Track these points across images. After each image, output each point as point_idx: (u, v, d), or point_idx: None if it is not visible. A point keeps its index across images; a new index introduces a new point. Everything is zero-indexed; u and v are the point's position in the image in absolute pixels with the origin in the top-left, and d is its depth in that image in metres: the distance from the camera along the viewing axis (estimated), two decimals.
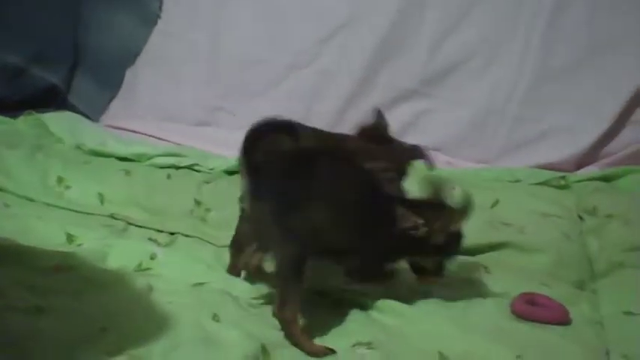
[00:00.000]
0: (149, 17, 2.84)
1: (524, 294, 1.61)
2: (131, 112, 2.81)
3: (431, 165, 1.79)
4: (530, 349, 1.43)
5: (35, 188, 2.11)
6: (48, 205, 2.02)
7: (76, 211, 2.01)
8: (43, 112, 2.64)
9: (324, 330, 1.47)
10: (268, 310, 1.52)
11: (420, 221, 1.49)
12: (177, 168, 2.34)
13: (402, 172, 1.76)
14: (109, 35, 2.84)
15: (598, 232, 1.97)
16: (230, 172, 2.30)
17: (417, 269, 1.60)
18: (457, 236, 1.56)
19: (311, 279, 1.42)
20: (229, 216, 1.74)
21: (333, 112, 2.69)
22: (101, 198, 2.10)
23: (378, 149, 1.75)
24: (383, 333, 1.48)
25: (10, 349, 1.28)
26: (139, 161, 2.36)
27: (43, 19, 2.78)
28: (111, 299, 1.52)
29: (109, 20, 2.84)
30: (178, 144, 2.56)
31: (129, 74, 2.84)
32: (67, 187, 2.12)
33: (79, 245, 1.79)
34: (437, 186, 1.53)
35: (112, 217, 2.01)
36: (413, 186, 1.68)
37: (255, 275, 1.64)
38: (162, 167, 2.33)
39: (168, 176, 2.25)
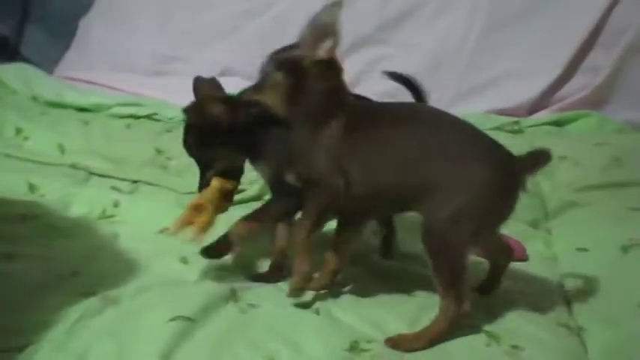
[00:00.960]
0: None
1: None
2: (85, 64, 2.78)
3: None
4: None
5: None
6: (8, 156, 2.01)
7: (36, 162, 2.00)
8: None
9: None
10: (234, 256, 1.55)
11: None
12: (137, 118, 2.34)
13: None
14: None
15: (550, 173, 2.01)
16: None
17: None
18: None
19: None
20: (190, 164, 1.75)
21: None
22: (61, 148, 2.10)
23: None
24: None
25: None
26: (97, 111, 2.35)
27: None
28: (79, 245, 1.54)
29: None
30: (135, 94, 2.54)
31: (82, 25, 2.81)
32: (26, 139, 2.12)
33: (42, 195, 1.80)
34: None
35: (73, 166, 2.00)
36: None
37: None
38: (121, 117, 2.33)
39: (128, 126, 2.26)
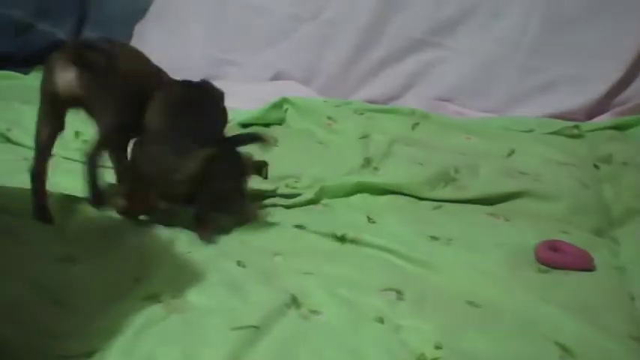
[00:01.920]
0: None
1: (547, 241, 1.61)
2: None
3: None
4: (556, 294, 1.44)
5: None
6: (68, 159, 2.02)
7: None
8: None
9: (350, 277, 1.48)
10: (290, 258, 1.55)
11: None
12: None
13: None
14: None
15: (614, 179, 1.98)
16: (244, 125, 2.31)
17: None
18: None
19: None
20: None
21: (341, 63, 2.68)
22: None
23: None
24: (409, 280, 1.48)
25: (45, 296, 1.30)
26: None
27: None
28: (139, 250, 1.53)
29: None
30: None
31: (137, 29, 2.83)
32: (85, 142, 2.11)
33: None
34: None
35: None
36: None
37: None
38: None
39: None
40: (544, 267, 1.56)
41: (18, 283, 1.33)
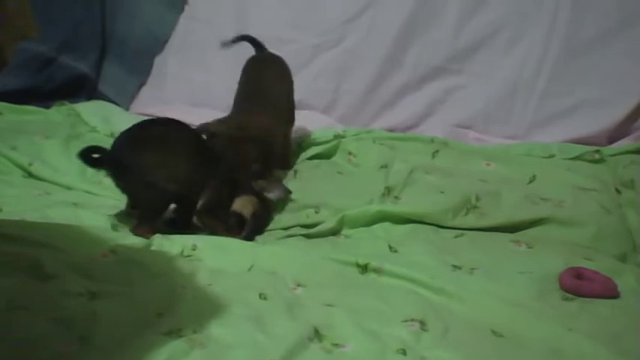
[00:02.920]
0: (175, 3, 2.85)
1: (571, 268, 1.60)
2: (161, 99, 2.82)
3: None
4: (582, 323, 1.43)
5: (74, 176, 2.14)
6: (88, 192, 2.04)
7: (116, 199, 2.02)
8: (74, 102, 2.67)
9: (373, 308, 1.48)
10: (312, 290, 1.55)
11: None
12: None
13: None
14: (136, 23, 2.86)
15: (636, 204, 1.96)
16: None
17: None
18: None
19: None
20: None
21: (361, 91, 2.70)
22: None
23: None
24: (432, 310, 1.48)
25: (70, 332, 1.31)
26: None
27: (70, 7, 2.81)
28: (161, 284, 1.53)
29: (135, 7, 2.86)
30: None
31: (157, 61, 2.86)
32: (106, 175, 2.13)
33: (123, 233, 1.81)
34: None
35: None
36: None
37: None
38: None
39: None
40: (569, 295, 1.54)
41: (41, 318, 1.34)
